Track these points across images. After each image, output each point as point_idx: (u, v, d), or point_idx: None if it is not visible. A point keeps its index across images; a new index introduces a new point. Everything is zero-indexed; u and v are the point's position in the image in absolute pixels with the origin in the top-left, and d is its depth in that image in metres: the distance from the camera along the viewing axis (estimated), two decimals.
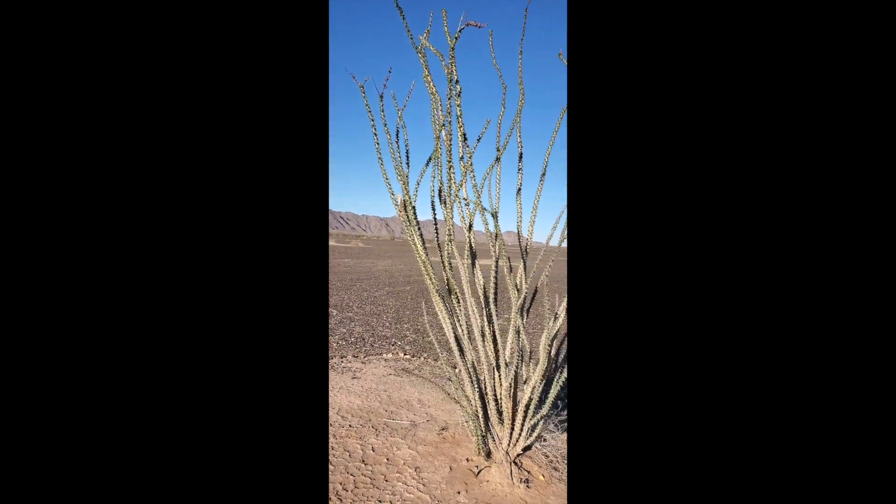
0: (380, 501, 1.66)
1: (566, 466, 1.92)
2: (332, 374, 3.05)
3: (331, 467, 1.86)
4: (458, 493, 1.72)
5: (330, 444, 2.04)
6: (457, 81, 1.66)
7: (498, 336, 1.86)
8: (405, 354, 3.75)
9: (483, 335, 1.83)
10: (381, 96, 1.63)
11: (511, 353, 1.84)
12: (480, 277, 1.90)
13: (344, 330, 4.60)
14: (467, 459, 1.95)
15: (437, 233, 1.90)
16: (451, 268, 1.85)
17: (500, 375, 1.85)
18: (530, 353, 1.89)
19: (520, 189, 1.93)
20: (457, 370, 1.94)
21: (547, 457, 1.96)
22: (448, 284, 1.86)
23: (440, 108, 1.72)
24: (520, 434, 1.86)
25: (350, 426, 2.25)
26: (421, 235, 1.80)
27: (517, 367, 1.80)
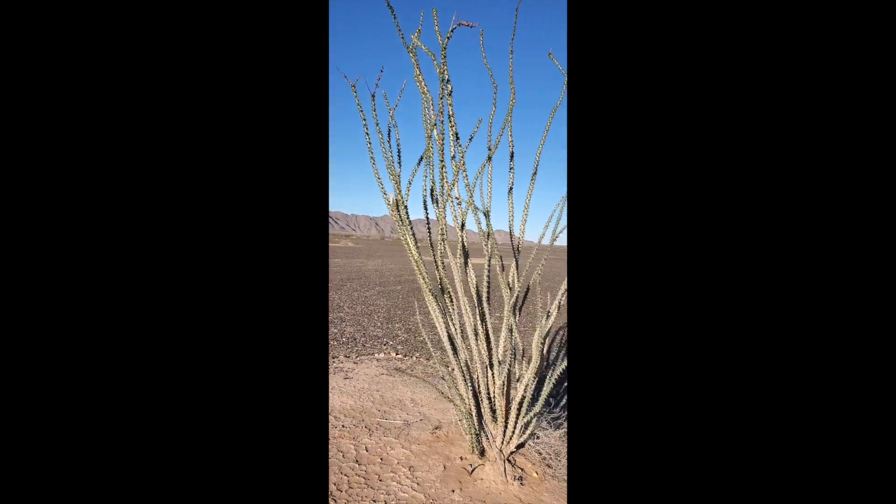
0: (374, 501, 1.66)
1: (559, 463, 1.93)
2: None
3: None
4: (453, 491, 1.73)
5: None
6: (447, 81, 1.67)
7: (491, 334, 1.87)
8: (397, 354, 3.75)
9: (476, 334, 1.84)
10: (373, 96, 1.63)
11: (504, 352, 1.85)
12: (473, 276, 1.91)
13: (335, 330, 4.59)
14: (461, 458, 1.95)
15: (429, 232, 1.90)
16: (443, 267, 1.85)
17: (493, 374, 1.86)
18: (523, 351, 1.90)
19: (511, 188, 1.94)
20: (450, 369, 1.95)
21: (540, 454, 1.97)
22: (441, 283, 1.86)
23: (432, 107, 1.72)
24: (513, 432, 1.87)
25: (343, 426, 2.24)
26: (413, 235, 1.80)
27: (510, 366, 1.81)
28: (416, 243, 1.80)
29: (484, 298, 1.85)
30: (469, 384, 1.86)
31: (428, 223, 1.89)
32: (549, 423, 2.11)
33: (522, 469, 1.89)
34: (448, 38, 1.54)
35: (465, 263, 1.90)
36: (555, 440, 2.01)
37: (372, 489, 1.73)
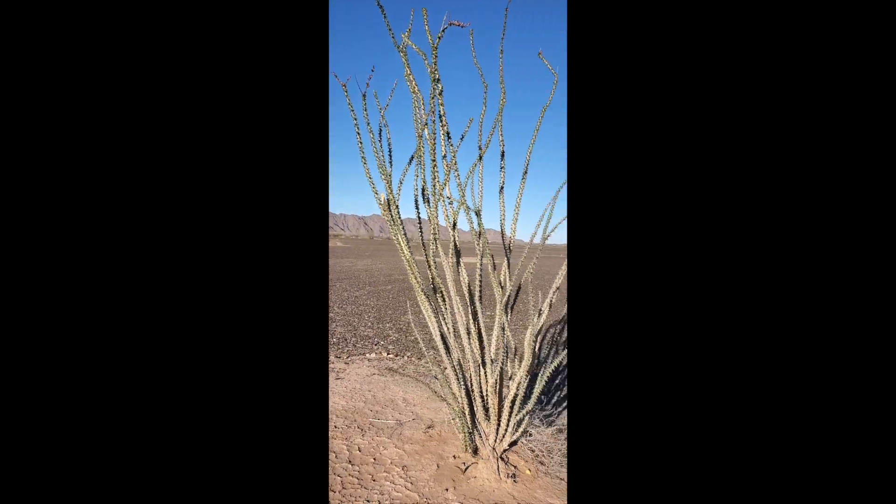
0: (368, 501, 1.66)
1: (552, 460, 1.95)
2: None
3: None
4: (447, 490, 1.74)
5: None
6: (438, 80, 1.67)
7: (483, 333, 1.88)
8: (388, 354, 3.74)
9: (468, 333, 1.85)
10: (364, 95, 1.63)
11: (496, 350, 1.86)
12: (465, 275, 1.91)
13: None
14: (454, 456, 1.96)
15: (420, 231, 1.90)
16: (435, 266, 1.86)
17: (485, 372, 1.86)
18: (515, 349, 1.91)
19: (502, 187, 1.95)
20: (442, 368, 1.95)
21: (533, 451, 1.98)
22: (433, 283, 1.87)
23: (423, 107, 1.73)
24: (506, 430, 1.88)
25: (335, 427, 2.23)
26: (405, 234, 1.80)
27: (502, 364, 1.82)
28: (407, 243, 1.80)
29: (476, 297, 1.86)
30: (462, 383, 1.87)
31: (420, 222, 1.89)
32: (541, 420, 2.13)
33: (515, 466, 1.90)
34: (439, 37, 1.54)
35: (458, 263, 1.90)
36: (547, 437, 2.02)
37: (366, 489, 1.73)
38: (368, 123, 1.66)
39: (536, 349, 2.01)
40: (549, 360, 2.12)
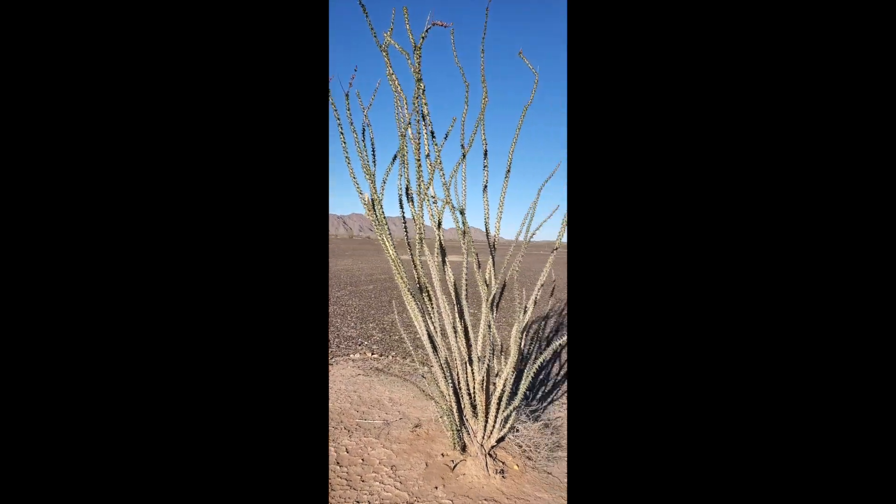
0: (357, 502, 1.65)
1: (539, 455, 1.97)
2: None
3: None
4: (436, 487, 1.74)
5: None
6: (419, 80, 1.67)
7: (470, 331, 1.89)
8: (373, 354, 3.73)
9: (455, 331, 1.86)
10: (347, 95, 1.62)
11: (483, 347, 1.88)
12: (451, 274, 1.92)
13: None
14: (443, 454, 1.97)
15: (406, 231, 1.90)
16: (421, 265, 1.86)
17: (472, 370, 1.88)
18: (501, 346, 1.93)
19: (486, 186, 1.96)
20: (429, 367, 1.96)
21: (520, 447, 2.01)
22: (419, 282, 1.87)
23: (406, 106, 1.72)
24: (493, 426, 1.90)
25: None
26: (390, 233, 1.80)
27: (489, 361, 1.83)
28: (392, 242, 1.80)
29: (462, 296, 1.87)
30: (449, 381, 1.88)
31: (405, 222, 1.89)
32: (527, 415, 2.16)
33: (503, 462, 1.92)
34: (423, 38, 1.54)
35: (443, 261, 1.91)
36: (534, 432, 2.05)
37: (355, 490, 1.72)
38: (352, 123, 1.65)
39: (522, 345, 2.03)
40: (534, 357, 2.15)
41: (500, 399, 1.84)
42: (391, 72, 1.68)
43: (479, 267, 1.88)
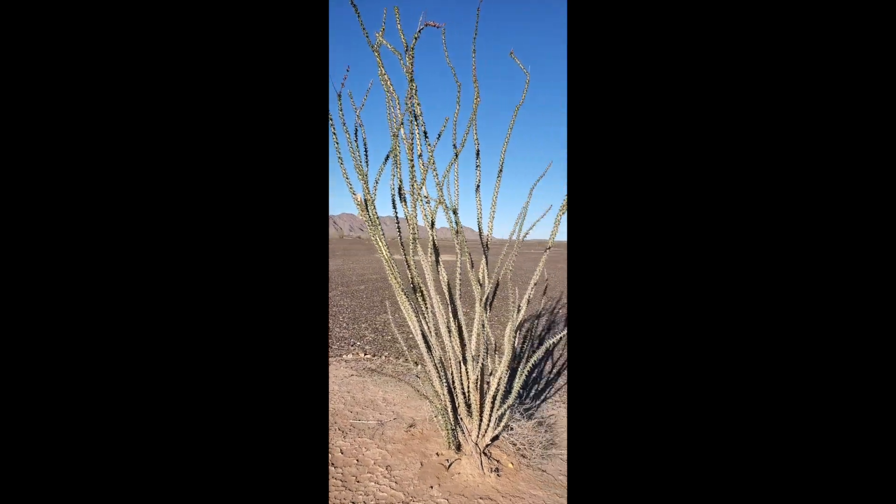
0: (353, 503, 1.65)
1: (534, 453, 1.99)
2: None
3: None
4: (431, 487, 1.75)
5: None
6: (412, 80, 1.67)
7: (464, 330, 1.89)
8: (365, 354, 3.72)
9: (449, 330, 1.86)
10: (339, 95, 1.61)
11: (477, 347, 1.88)
12: (444, 274, 1.93)
13: None
14: (437, 454, 1.97)
15: (399, 231, 1.90)
16: (414, 265, 1.86)
17: (467, 369, 1.88)
18: (495, 345, 1.94)
19: (478, 186, 1.97)
20: (422, 367, 1.96)
21: (514, 445, 2.02)
22: (413, 282, 1.87)
23: (398, 106, 1.72)
24: (488, 425, 1.90)
25: None
26: (383, 233, 1.80)
27: (483, 360, 1.84)
28: (385, 242, 1.80)
29: (456, 295, 1.87)
30: (444, 380, 1.88)
31: (398, 222, 1.89)
32: (521, 414, 2.17)
33: (498, 461, 1.93)
34: (416, 38, 1.54)
35: (437, 261, 1.91)
36: (528, 430, 2.06)
37: (350, 491, 1.72)
38: (344, 124, 1.65)
39: (515, 344, 2.04)
40: (527, 355, 2.16)
41: (494, 398, 1.85)
42: (383, 72, 1.68)
43: (473, 266, 1.88)
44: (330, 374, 3.11)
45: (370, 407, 2.52)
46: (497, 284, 1.98)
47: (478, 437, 1.92)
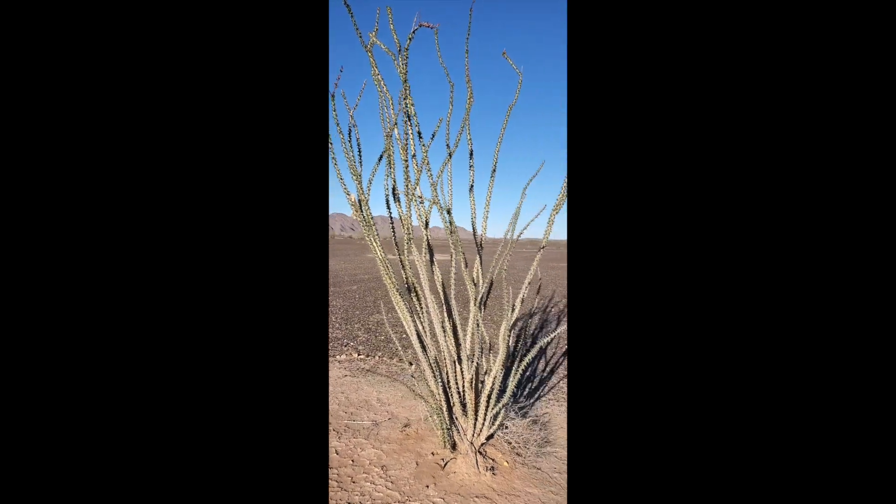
0: (349, 503, 1.65)
1: (528, 451, 2.00)
2: None
3: None
4: (427, 486, 1.75)
5: None
6: (405, 81, 1.67)
7: (459, 330, 1.90)
8: (359, 355, 3.71)
9: (444, 330, 1.87)
10: (332, 96, 1.61)
11: (471, 346, 1.89)
12: (439, 273, 1.93)
13: None
14: (433, 453, 1.98)
15: (393, 231, 1.90)
16: (409, 265, 1.86)
17: (461, 368, 1.89)
18: (490, 344, 1.95)
19: (472, 186, 1.98)
20: (418, 366, 1.96)
21: (510, 443, 2.03)
22: (407, 282, 1.87)
23: (392, 106, 1.73)
24: (483, 424, 1.91)
25: None
26: (377, 234, 1.80)
27: (478, 359, 1.85)
28: (379, 243, 1.80)
29: (451, 295, 1.88)
30: (439, 380, 1.88)
31: (392, 222, 1.89)
32: (516, 412, 2.18)
33: (493, 459, 1.94)
34: (410, 39, 1.54)
35: (432, 261, 1.92)
36: (522, 429, 2.07)
37: (346, 491, 1.72)
38: (338, 124, 1.65)
39: (510, 343, 2.05)
40: (521, 355, 2.18)
41: (489, 397, 1.86)
42: (377, 72, 1.68)
43: (467, 266, 1.89)
44: None
45: (365, 407, 2.52)
46: (491, 284, 1.99)
47: (473, 436, 1.92)
